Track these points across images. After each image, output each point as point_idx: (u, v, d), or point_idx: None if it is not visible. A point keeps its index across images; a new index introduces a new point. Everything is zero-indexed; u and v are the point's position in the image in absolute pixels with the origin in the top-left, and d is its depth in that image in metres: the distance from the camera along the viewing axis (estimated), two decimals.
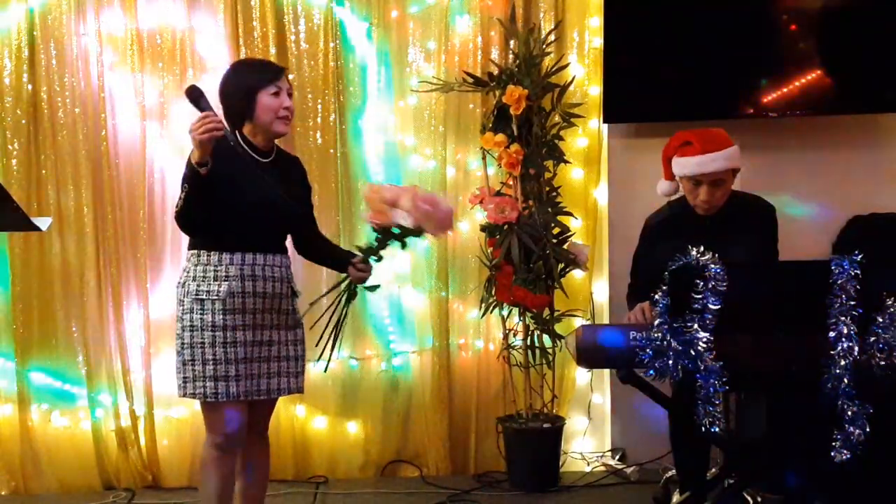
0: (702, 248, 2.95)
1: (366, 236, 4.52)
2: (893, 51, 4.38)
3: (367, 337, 4.56)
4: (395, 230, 3.21)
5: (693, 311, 2.93)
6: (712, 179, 3.53)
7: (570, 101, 4.42)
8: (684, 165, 3.57)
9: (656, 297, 2.98)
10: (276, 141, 3.25)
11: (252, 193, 3.04)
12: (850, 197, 4.45)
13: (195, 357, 3.10)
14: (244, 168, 3.05)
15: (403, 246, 3.30)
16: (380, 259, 3.31)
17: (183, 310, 3.13)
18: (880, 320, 2.93)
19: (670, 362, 2.96)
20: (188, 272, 3.14)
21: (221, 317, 3.09)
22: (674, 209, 3.74)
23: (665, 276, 2.98)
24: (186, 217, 3.06)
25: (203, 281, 3.11)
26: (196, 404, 4.39)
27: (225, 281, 3.09)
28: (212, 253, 3.11)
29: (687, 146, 3.58)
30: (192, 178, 2.93)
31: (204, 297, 3.10)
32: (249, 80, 3.15)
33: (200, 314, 3.10)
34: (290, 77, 3.36)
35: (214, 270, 3.10)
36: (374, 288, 3.42)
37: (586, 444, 4.66)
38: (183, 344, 3.12)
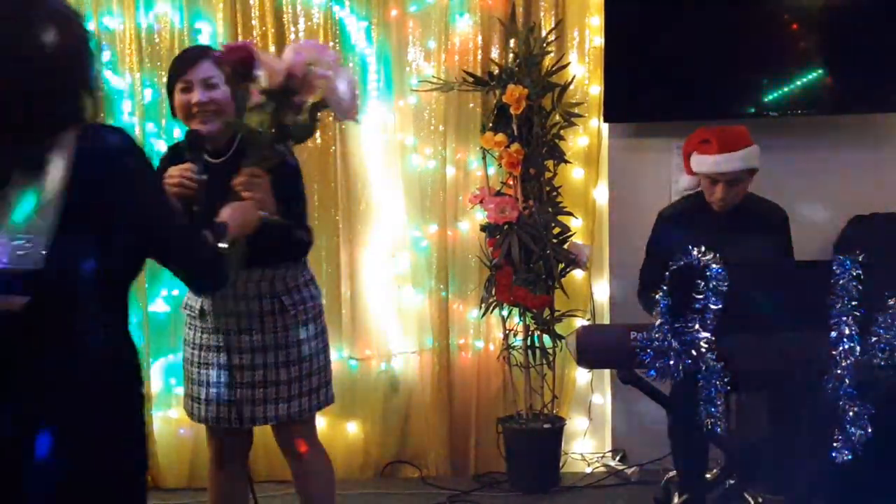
0: (714, 245, 2.95)
1: (368, 237, 4.55)
2: (893, 51, 4.37)
3: (367, 337, 4.55)
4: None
5: (694, 311, 2.93)
6: (729, 179, 3.55)
7: (570, 100, 4.41)
8: (702, 163, 3.60)
9: (657, 296, 2.98)
10: None
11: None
12: (850, 197, 4.45)
13: (185, 373, 3.04)
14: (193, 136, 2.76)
15: (298, 135, 2.58)
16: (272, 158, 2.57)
17: (184, 321, 3.05)
18: (882, 320, 2.92)
19: (671, 363, 2.95)
20: None
21: (200, 335, 2.96)
22: (688, 203, 3.76)
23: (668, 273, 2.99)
24: None
25: (189, 295, 3.01)
26: None
27: (200, 298, 2.93)
28: None
29: (705, 144, 3.60)
30: None
31: (189, 311, 3.00)
32: (168, 78, 2.90)
33: (188, 329, 3.00)
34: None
35: None
36: (282, 227, 2.68)
37: (587, 445, 4.65)
38: (182, 357, 3.05)
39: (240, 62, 2.45)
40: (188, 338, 3.00)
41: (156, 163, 2.98)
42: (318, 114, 2.53)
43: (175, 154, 2.92)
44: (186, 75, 2.82)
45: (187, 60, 2.86)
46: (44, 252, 1.76)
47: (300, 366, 2.97)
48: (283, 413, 2.95)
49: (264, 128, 2.48)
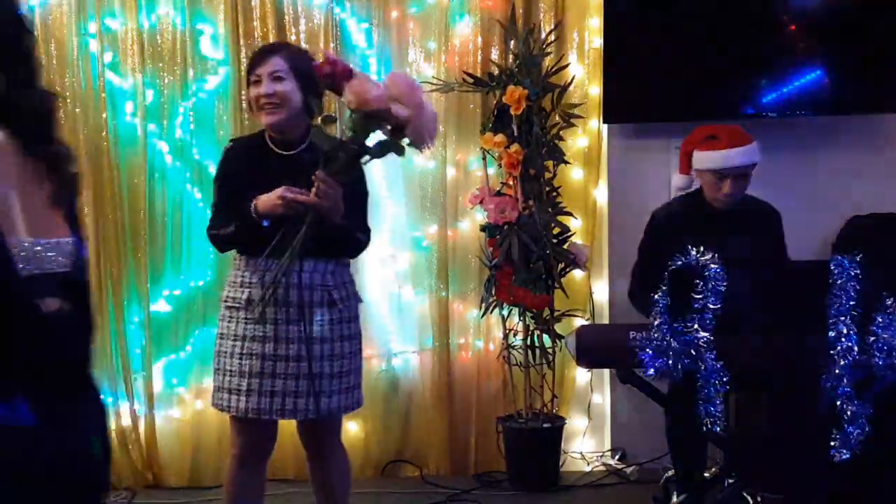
0: (709, 244, 2.96)
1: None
2: (893, 51, 4.38)
3: (367, 337, 4.55)
4: (377, 133, 2.65)
5: (693, 311, 2.94)
6: (737, 174, 3.56)
7: (569, 101, 4.43)
8: (709, 159, 3.60)
9: (656, 296, 2.99)
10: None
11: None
12: (850, 197, 4.46)
13: (220, 366, 3.01)
14: (263, 170, 2.95)
15: (376, 154, 2.70)
16: (349, 168, 2.74)
17: (219, 316, 3.06)
18: (880, 320, 2.93)
19: (670, 362, 2.96)
20: (228, 277, 3.08)
21: (243, 326, 2.96)
22: (682, 203, 3.77)
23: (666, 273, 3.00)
24: (227, 246, 3.05)
25: (231, 287, 3.02)
26: (198, 404, 4.43)
27: (247, 288, 2.96)
28: (241, 258, 3.02)
29: (713, 140, 3.61)
30: (248, 225, 2.87)
31: (230, 303, 3.01)
32: (246, 74, 3.09)
33: (227, 322, 3.00)
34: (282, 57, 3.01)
35: (241, 276, 2.99)
36: (344, 230, 2.87)
37: (586, 444, 4.66)
38: (216, 351, 3.04)
39: (336, 74, 2.60)
40: (227, 331, 3.00)
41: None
42: (400, 137, 2.67)
43: (240, 149, 3.11)
44: (257, 69, 2.97)
45: (259, 56, 3.03)
46: (72, 254, 1.76)
47: (342, 361, 3.01)
48: (323, 407, 2.96)
49: (345, 144, 2.66)
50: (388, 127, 2.61)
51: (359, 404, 3.14)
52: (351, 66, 2.69)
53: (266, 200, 2.83)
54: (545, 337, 4.39)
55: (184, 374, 4.45)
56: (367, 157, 2.72)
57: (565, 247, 4.36)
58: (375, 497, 4.25)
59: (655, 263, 3.16)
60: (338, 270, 3.04)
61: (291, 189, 2.80)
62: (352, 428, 4.54)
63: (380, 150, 2.67)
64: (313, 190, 2.73)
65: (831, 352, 2.91)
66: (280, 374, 2.94)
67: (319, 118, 2.79)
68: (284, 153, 3.00)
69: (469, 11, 4.52)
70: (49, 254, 1.72)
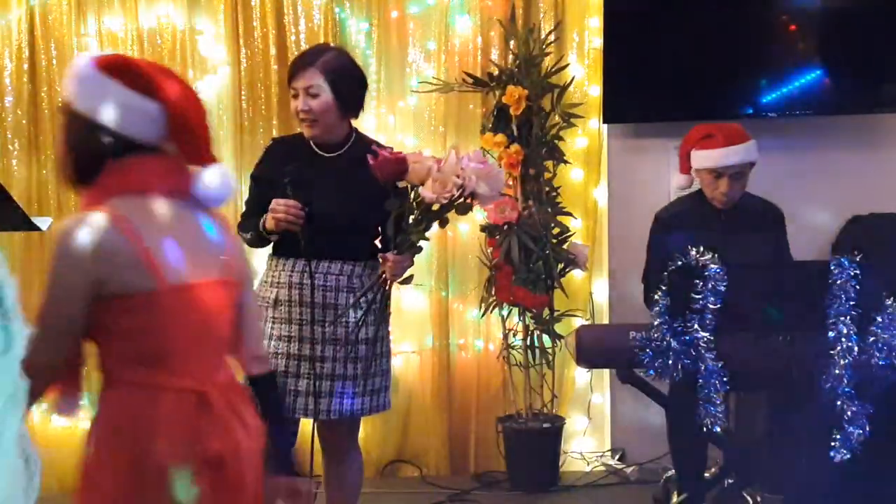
0: (713, 244, 2.97)
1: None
2: (893, 51, 4.38)
3: None
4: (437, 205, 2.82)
5: (693, 311, 2.95)
6: (734, 172, 3.57)
7: (569, 101, 4.42)
8: (706, 158, 3.61)
9: (656, 296, 2.99)
10: None
11: (298, 198, 2.90)
12: (848, 197, 4.46)
13: None
14: (295, 171, 2.97)
15: (444, 223, 2.95)
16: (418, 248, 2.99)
17: None
18: (879, 320, 2.94)
19: (670, 362, 2.97)
20: (261, 276, 3.11)
21: (270, 325, 2.99)
22: (685, 203, 3.77)
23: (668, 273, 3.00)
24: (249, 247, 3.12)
25: (262, 286, 3.05)
26: None
27: (275, 288, 3.00)
28: (272, 258, 3.07)
29: (709, 139, 3.62)
30: (259, 235, 2.96)
31: (260, 302, 3.00)
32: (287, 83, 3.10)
33: None
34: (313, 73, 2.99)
35: (271, 276, 3.03)
36: (408, 280, 3.05)
37: (586, 444, 4.66)
38: None
39: (394, 173, 2.83)
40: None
41: None
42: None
43: (280, 148, 3.16)
44: (293, 82, 2.98)
45: (295, 69, 3.02)
46: None
47: (366, 364, 3.02)
48: (346, 409, 3.00)
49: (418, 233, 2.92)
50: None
51: (384, 407, 3.15)
52: (401, 153, 2.89)
53: (268, 217, 2.91)
54: (545, 337, 4.39)
55: None
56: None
57: (565, 247, 4.36)
58: (375, 497, 4.24)
59: (663, 265, 3.15)
60: (366, 274, 3.05)
61: (278, 201, 2.87)
62: None
63: (444, 223, 2.97)
64: (385, 266, 2.91)
65: (831, 352, 2.92)
66: (304, 373, 2.97)
67: (389, 202, 2.90)
68: (326, 154, 3.05)
69: (469, 11, 4.51)
70: None
